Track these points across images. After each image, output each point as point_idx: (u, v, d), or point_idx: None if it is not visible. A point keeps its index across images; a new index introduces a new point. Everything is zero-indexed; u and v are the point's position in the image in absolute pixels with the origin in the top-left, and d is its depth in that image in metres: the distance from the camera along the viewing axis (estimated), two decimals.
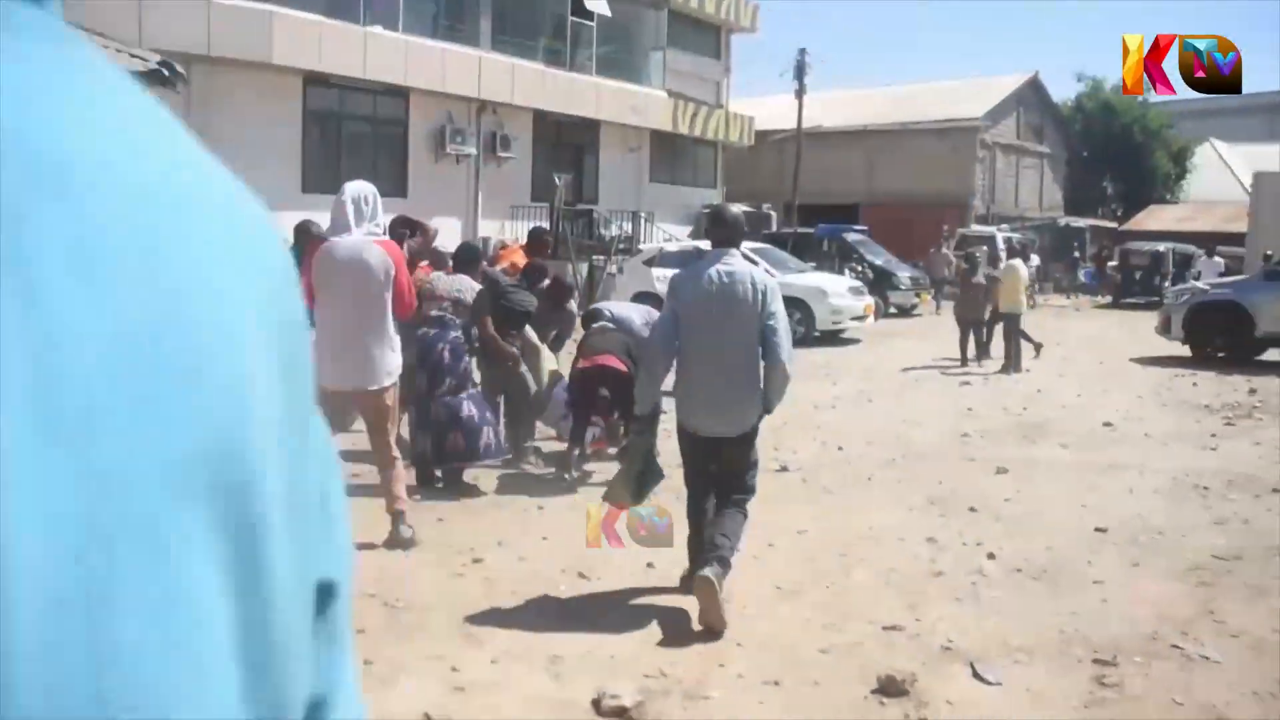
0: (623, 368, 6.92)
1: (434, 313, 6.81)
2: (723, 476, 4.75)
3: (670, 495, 5.50)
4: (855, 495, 6.97)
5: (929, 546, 5.78)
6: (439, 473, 6.91)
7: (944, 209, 32.11)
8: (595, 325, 7.77)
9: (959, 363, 14.04)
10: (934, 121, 35.10)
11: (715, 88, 29.56)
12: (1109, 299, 30.04)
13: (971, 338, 14.16)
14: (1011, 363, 13.65)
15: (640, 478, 5.01)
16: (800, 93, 31.28)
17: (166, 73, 8.95)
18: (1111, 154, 41.49)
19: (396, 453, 5.69)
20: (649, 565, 5.37)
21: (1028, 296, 14.51)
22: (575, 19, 23.40)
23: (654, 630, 4.50)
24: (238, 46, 16.50)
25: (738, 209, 5.23)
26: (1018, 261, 14.96)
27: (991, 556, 5.57)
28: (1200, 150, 45.01)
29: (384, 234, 5.73)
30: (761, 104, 34.47)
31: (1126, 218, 41.27)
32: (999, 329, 14.09)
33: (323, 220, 6.35)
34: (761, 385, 4.60)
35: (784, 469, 7.42)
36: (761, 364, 4.58)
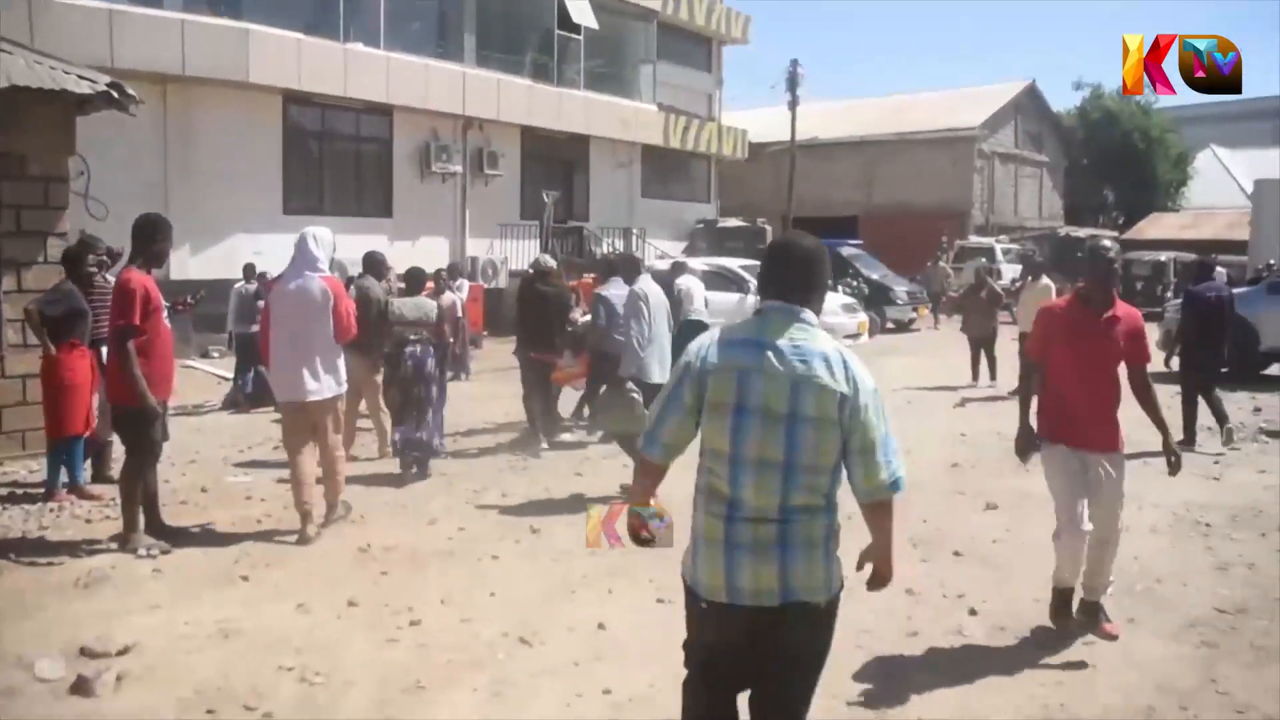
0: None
1: (412, 335, 8.12)
2: None
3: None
4: None
5: (907, 600, 5.32)
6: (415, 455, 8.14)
7: (943, 219, 31.68)
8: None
9: (970, 382, 13.71)
10: (931, 131, 34.69)
11: (707, 100, 29.20)
12: None
13: (984, 355, 13.80)
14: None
15: None
16: (793, 104, 30.84)
17: (116, 94, 8.53)
18: (1112, 161, 40.99)
19: (341, 452, 6.72)
20: (600, 627, 4.95)
21: None
22: (562, 33, 23.01)
23: (598, 707, 4.06)
24: (213, 66, 16.11)
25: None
26: (1047, 280, 14.00)
27: (973, 612, 5.13)
28: (1201, 156, 44.52)
29: (329, 269, 6.54)
30: (755, 116, 34.10)
31: (1128, 226, 40.76)
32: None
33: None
34: None
35: None
36: None
